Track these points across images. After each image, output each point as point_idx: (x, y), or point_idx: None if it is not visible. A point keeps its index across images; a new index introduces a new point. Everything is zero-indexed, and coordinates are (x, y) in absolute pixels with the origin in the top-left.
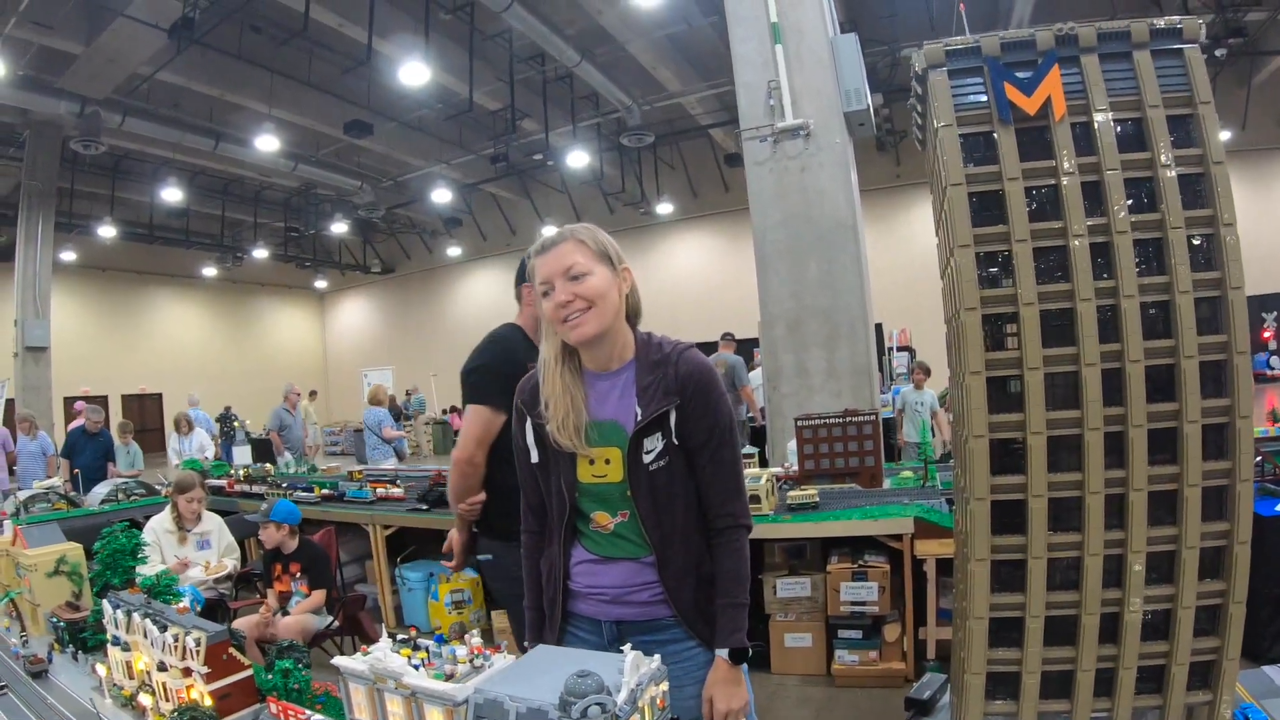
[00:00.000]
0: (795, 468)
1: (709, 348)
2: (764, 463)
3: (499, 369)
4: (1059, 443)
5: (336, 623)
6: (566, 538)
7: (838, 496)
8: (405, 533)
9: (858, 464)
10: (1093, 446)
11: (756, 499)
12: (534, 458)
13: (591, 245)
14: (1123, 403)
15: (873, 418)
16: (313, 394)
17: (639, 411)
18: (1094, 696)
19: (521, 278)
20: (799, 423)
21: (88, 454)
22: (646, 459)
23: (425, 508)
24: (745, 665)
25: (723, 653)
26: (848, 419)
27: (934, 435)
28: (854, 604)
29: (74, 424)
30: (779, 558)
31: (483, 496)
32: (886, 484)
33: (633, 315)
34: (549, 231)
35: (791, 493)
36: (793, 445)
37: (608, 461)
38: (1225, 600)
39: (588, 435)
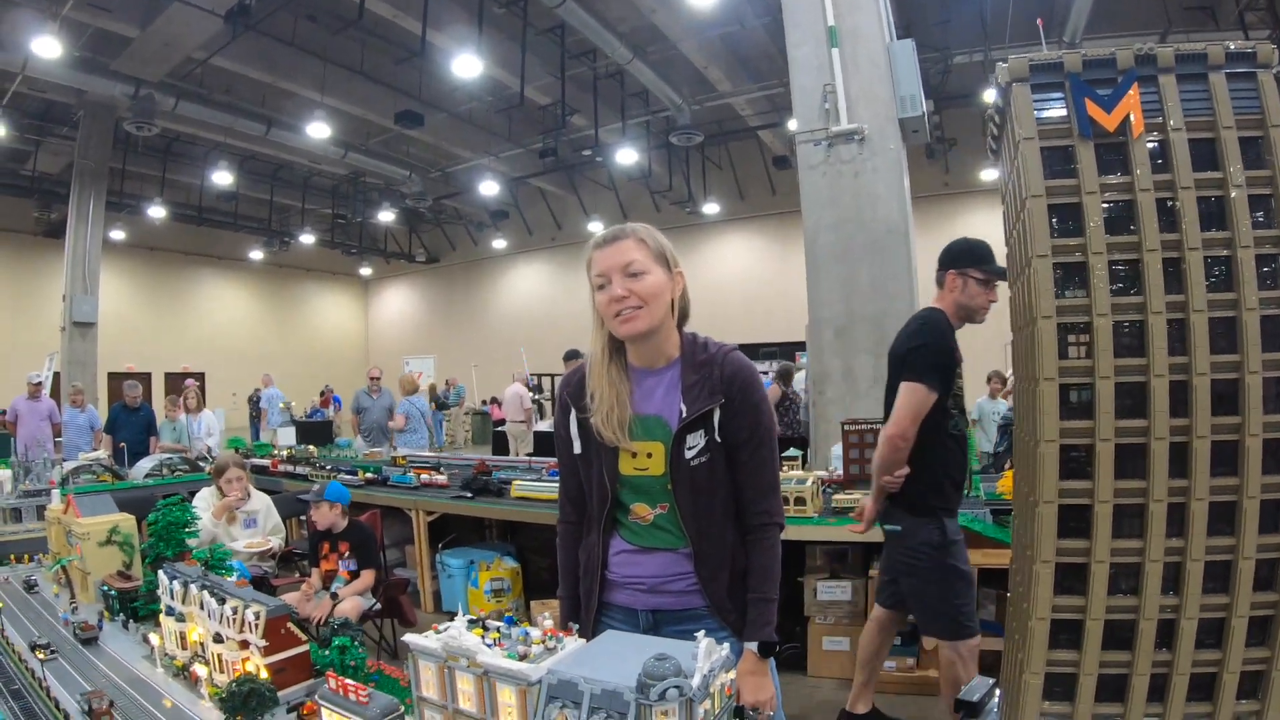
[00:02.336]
0: (840, 472)
1: (751, 350)
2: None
3: (936, 348)
4: (1124, 451)
5: (378, 604)
6: (606, 528)
7: None
8: (447, 519)
9: None
10: (1158, 455)
11: (802, 501)
12: (576, 449)
13: (651, 245)
14: (1188, 414)
15: None
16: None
17: (684, 408)
18: (1146, 701)
19: (948, 263)
20: (845, 427)
21: (129, 428)
22: (688, 454)
23: (469, 495)
24: (773, 661)
25: (752, 645)
26: None
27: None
28: None
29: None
30: (820, 560)
31: (907, 470)
32: None
33: (681, 317)
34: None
35: (836, 495)
36: (837, 449)
37: (649, 455)
38: (1277, 611)
39: (631, 429)
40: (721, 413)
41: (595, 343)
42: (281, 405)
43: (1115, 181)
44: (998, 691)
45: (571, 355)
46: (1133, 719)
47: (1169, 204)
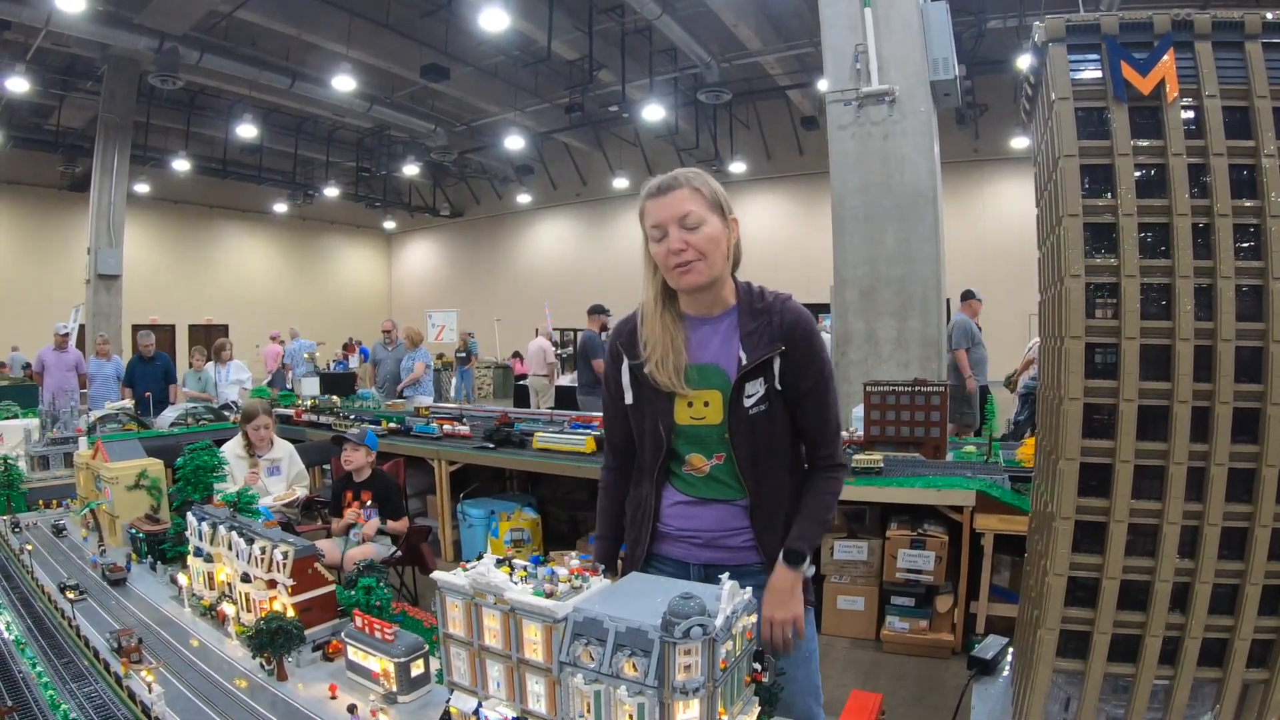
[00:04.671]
0: (860, 433)
1: None
2: None
3: None
4: (1147, 412)
5: (399, 552)
6: (659, 479)
7: (901, 464)
8: (469, 470)
9: (923, 434)
10: (1180, 419)
11: None
12: (628, 399)
13: (706, 194)
14: (1211, 379)
15: (941, 389)
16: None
17: (743, 356)
18: (1158, 663)
19: None
20: (868, 388)
21: (147, 379)
22: (747, 403)
23: (492, 446)
24: (811, 611)
25: (781, 556)
26: (916, 388)
27: None
28: (909, 571)
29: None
30: (838, 520)
31: None
32: (949, 456)
33: (734, 263)
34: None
35: (856, 456)
36: (858, 410)
37: (706, 404)
38: None
39: (687, 376)
40: (782, 361)
41: (647, 290)
42: (306, 355)
43: (1148, 145)
44: (1010, 651)
45: (596, 310)
46: (1144, 680)
47: (1200, 170)
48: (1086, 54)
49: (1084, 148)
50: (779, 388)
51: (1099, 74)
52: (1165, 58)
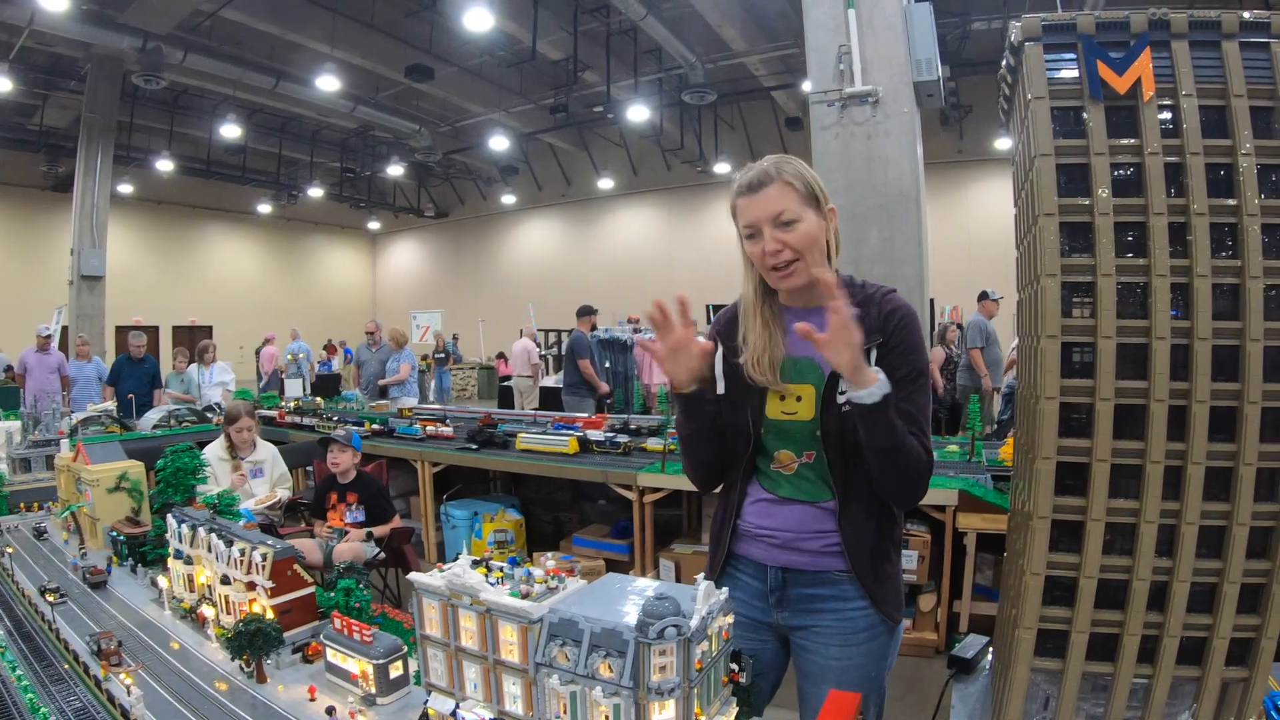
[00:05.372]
0: None
1: None
2: None
3: None
4: (1123, 412)
5: (383, 554)
6: (745, 475)
7: None
8: (452, 471)
9: None
10: (1156, 417)
11: None
12: (719, 389)
13: (800, 188)
14: (1188, 378)
15: None
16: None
17: None
18: (1136, 662)
19: None
20: None
21: (133, 380)
22: (841, 399)
23: (475, 447)
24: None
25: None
26: None
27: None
28: None
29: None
30: None
31: None
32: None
33: (832, 254)
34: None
35: None
36: None
37: (799, 399)
38: (1269, 580)
39: (783, 370)
40: (879, 353)
41: (746, 283)
42: (289, 357)
43: (1124, 144)
44: (990, 650)
45: (585, 311)
46: (1122, 678)
47: (1177, 169)
48: (1063, 53)
49: (1060, 147)
50: None
51: (1075, 73)
52: (1142, 57)
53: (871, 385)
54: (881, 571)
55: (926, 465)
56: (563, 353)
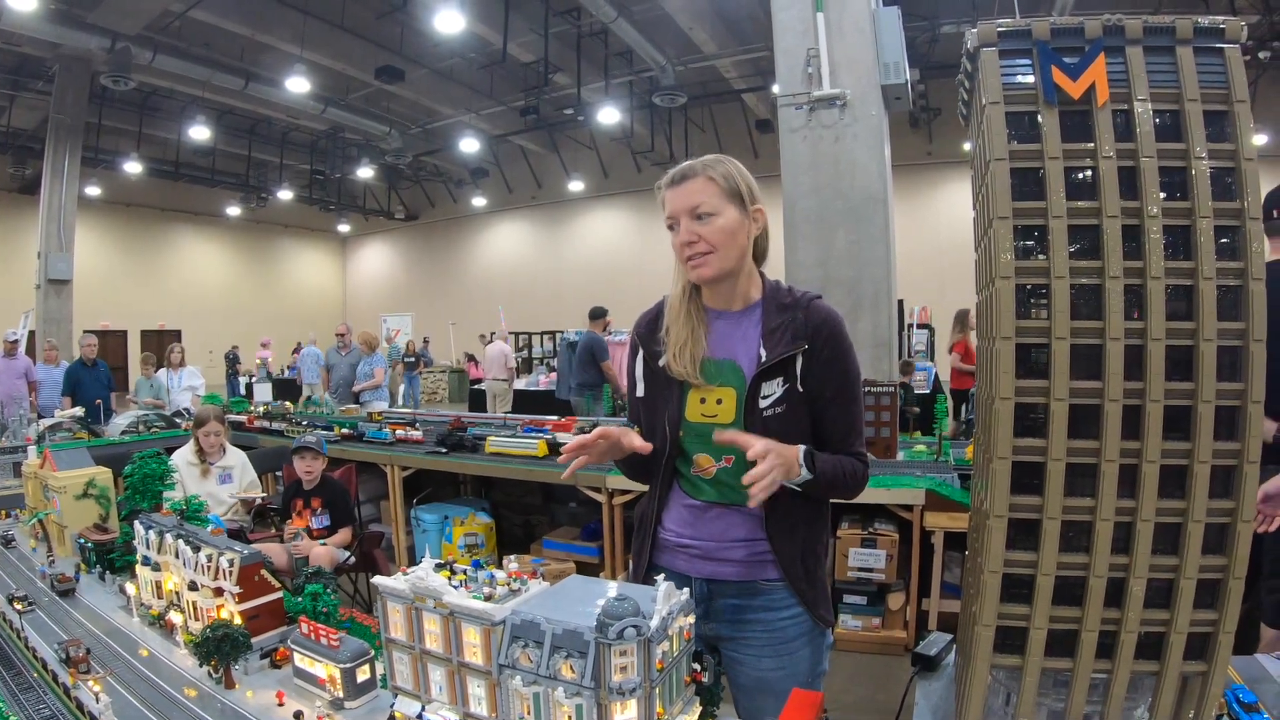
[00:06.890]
0: None
1: None
2: None
3: None
4: (1079, 411)
5: (353, 558)
6: (665, 480)
7: None
8: (421, 475)
9: (873, 434)
10: (1111, 416)
11: None
12: (640, 391)
13: (722, 183)
14: (1142, 378)
15: (891, 389)
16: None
17: (763, 353)
18: (1095, 658)
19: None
20: None
21: (90, 385)
22: (763, 403)
23: (444, 451)
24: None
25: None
26: (867, 389)
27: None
28: (861, 570)
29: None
30: None
31: None
32: (900, 456)
33: (759, 256)
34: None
35: None
36: None
37: (719, 401)
38: (1225, 575)
39: (703, 369)
40: (805, 360)
41: (676, 282)
42: (258, 362)
43: (1078, 148)
44: (954, 647)
45: (598, 313)
46: (1081, 674)
47: (1130, 172)
48: (1018, 59)
49: (1014, 151)
50: (800, 389)
51: (1031, 79)
52: (1096, 62)
53: (795, 476)
54: (814, 575)
55: (863, 475)
56: (553, 356)
